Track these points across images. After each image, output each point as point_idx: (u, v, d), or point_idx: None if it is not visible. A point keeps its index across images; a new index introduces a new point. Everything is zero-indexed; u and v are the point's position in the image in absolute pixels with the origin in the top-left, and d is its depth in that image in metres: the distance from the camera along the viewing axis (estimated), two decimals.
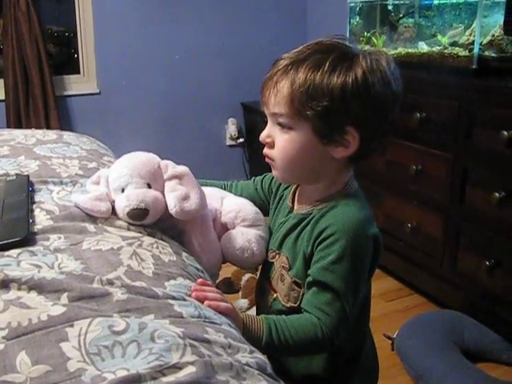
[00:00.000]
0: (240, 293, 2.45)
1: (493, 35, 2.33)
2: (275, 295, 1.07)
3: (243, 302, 2.35)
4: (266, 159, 1.03)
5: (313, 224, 0.99)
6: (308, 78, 0.91)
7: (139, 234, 1.11)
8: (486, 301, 2.14)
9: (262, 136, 1.01)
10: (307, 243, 0.98)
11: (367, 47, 2.87)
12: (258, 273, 2.57)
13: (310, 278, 0.97)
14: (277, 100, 0.95)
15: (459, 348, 2.01)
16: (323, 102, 0.90)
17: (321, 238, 0.96)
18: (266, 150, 1.02)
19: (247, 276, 2.49)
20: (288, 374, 1.11)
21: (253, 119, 3.86)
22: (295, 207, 1.08)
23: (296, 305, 1.02)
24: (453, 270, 2.27)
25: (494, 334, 2.07)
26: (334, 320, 0.94)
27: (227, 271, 2.62)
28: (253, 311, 2.29)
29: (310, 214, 1.01)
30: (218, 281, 2.52)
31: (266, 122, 1.02)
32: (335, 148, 0.95)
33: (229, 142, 4.00)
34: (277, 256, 1.08)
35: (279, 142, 0.97)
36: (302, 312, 0.99)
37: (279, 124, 0.97)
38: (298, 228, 1.03)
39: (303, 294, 1.00)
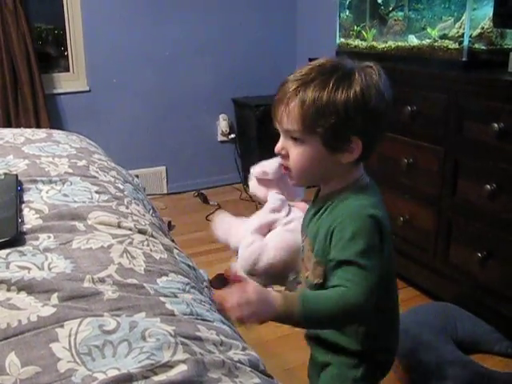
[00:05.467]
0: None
1: (482, 28, 2.32)
2: (307, 273, 1.20)
3: None
4: (283, 170, 1.16)
5: (328, 212, 1.13)
6: (316, 98, 1.03)
7: (130, 232, 1.10)
8: (479, 292, 2.15)
9: (277, 148, 1.13)
10: (326, 231, 1.10)
11: (357, 41, 2.87)
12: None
13: (332, 263, 1.07)
14: (289, 119, 1.07)
15: (452, 340, 2.01)
16: (330, 119, 1.03)
17: (334, 227, 1.08)
18: (281, 161, 1.14)
19: None
20: (318, 339, 1.25)
21: (244, 115, 3.85)
22: (319, 198, 1.22)
23: (322, 281, 1.14)
24: (445, 262, 2.28)
25: (486, 325, 2.07)
26: (361, 286, 1.03)
27: (220, 268, 2.61)
28: None
29: (327, 203, 1.14)
30: (211, 277, 2.53)
31: (279, 134, 1.13)
32: (342, 155, 1.08)
33: (220, 138, 3.99)
34: (305, 239, 1.21)
35: (293, 154, 1.10)
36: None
37: (292, 138, 1.09)
38: (318, 214, 1.16)
39: (324, 271, 1.12)
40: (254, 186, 1.74)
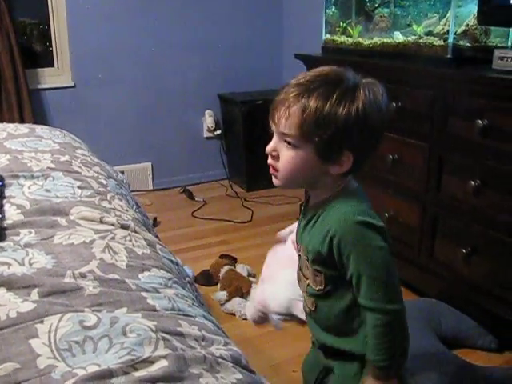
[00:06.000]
0: (219, 285, 2.43)
1: (467, 25, 2.33)
2: (307, 281, 1.20)
3: (222, 295, 2.34)
4: (271, 170, 1.14)
5: (321, 221, 1.13)
6: (318, 108, 1.03)
7: (112, 227, 1.09)
8: (463, 288, 2.16)
9: (269, 149, 1.12)
10: (320, 241, 1.10)
11: (343, 38, 2.87)
12: (237, 265, 2.57)
13: (349, 277, 1.09)
14: (287, 123, 1.06)
15: (437, 335, 2.02)
16: (329, 131, 1.03)
17: (331, 243, 1.08)
18: (270, 161, 1.13)
19: (226, 268, 2.47)
20: (325, 346, 1.24)
21: (230, 111, 3.84)
22: (309, 207, 1.22)
23: (323, 287, 1.15)
24: (430, 258, 2.28)
25: (470, 320, 2.08)
26: (382, 298, 1.06)
27: (206, 264, 2.61)
28: (232, 303, 2.30)
29: (318, 211, 1.14)
30: (196, 274, 2.53)
31: (270, 133, 1.13)
32: (332, 166, 1.09)
33: (206, 134, 3.97)
34: (300, 248, 1.21)
35: (284, 156, 1.10)
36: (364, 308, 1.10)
37: (286, 141, 1.08)
38: (310, 223, 1.16)
39: (325, 278, 1.13)
40: None
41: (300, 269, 1.24)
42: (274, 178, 1.16)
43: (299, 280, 1.26)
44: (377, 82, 1.11)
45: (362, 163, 1.13)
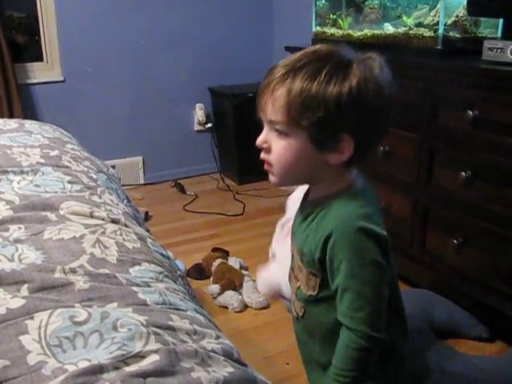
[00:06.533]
0: (211, 278, 2.43)
1: (457, 16, 2.33)
2: (298, 284, 1.11)
3: (214, 288, 2.33)
4: (265, 166, 1.04)
5: (318, 221, 1.03)
6: (304, 89, 0.92)
7: (102, 222, 1.09)
8: (454, 279, 2.17)
9: (259, 141, 1.02)
10: (315, 244, 1.01)
11: (333, 29, 2.86)
12: (229, 258, 2.57)
13: (334, 288, 1.01)
14: (274, 108, 0.96)
15: (429, 326, 2.03)
16: (318, 113, 0.92)
17: (326, 245, 0.99)
18: (263, 155, 1.03)
19: (218, 261, 2.47)
20: (316, 360, 1.16)
21: (220, 104, 3.83)
22: (307, 202, 1.12)
23: (314, 293, 1.06)
24: (422, 249, 2.29)
25: (462, 310, 2.09)
26: (363, 319, 0.97)
27: (198, 257, 2.61)
28: (224, 296, 2.30)
29: (316, 209, 1.04)
30: (188, 267, 2.53)
31: (262, 126, 1.03)
32: (330, 154, 0.97)
33: (197, 128, 3.95)
34: (294, 248, 1.12)
35: (276, 147, 0.99)
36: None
37: (276, 130, 0.98)
38: (306, 222, 1.06)
39: (319, 283, 1.04)
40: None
41: (292, 269, 1.15)
42: (270, 176, 1.05)
43: (290, 280, 1.17)
44: (376, 55, 1.00)
45: (366, 150, 1.01)
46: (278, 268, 1.42)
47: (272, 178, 1.05)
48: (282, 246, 1.53)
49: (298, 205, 1.19)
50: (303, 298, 1.09)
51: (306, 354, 1.21)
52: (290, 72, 0.95)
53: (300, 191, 1.24)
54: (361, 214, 0.98)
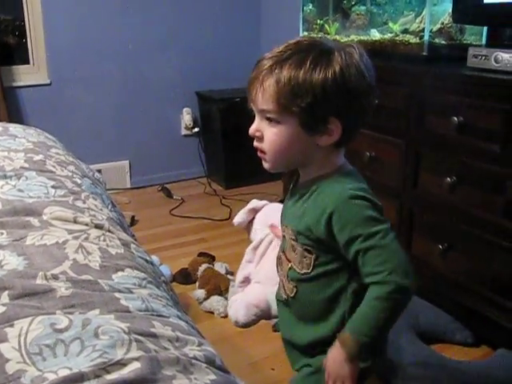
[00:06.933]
0: (197, 283, 2.42)
1: (442, 23, 2.35)
2: (289, 264, 1.15)
3: (200, 293, 2.32)
4: (258, 153, 1.10)
5: (315, 197, 1.08)
6: (292, 77, 0.99)
7: (86, 227, 1.08)
8: (440, 283, 2.18)
9: (252, 130, 1.09)
10: (316, 219, 1.05)
11: (321, 34, 2.87)
12: (215, 263, 2.56)
13: (352, 257, 1.03)
14: (264, 98, 1.03)
15: (414, 330, 2.04)
16: (307, 99, 0.99)
17: (330, 223, 1.03)
18: (256, 144, 1.10)
19: (204, 266, 2.46)
20: (291, 343, 1.22)
21: (208, 108, 3.82)
22: (298, 185, 1.18)
23: (309, 270, 1.11)
24: (407, 254, 2.30)
25: (447, 315, 2.10)
26: (393, 268, 1.00)
27: (184, 262, 2.60)
28: (210, 301, 2.29)
29: (311, 187, 1.10)
30: (174, 272, 2.52)
31: (254, 116, 1.09)
32: (320, 137, 1.05)
33: (184, 132, 3.95)
34: (286, 229, 1.17)
35: (268, 135, 1.06)
36: (368, 285, 1.04)
37: (267, 119, 1.05)
38: (301, 200, 1.12)
39: (314, 260, 1.09)
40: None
41: (283, 251, 1.19)
42: (263, 162, 1.11)
43: (280, 264, 1.21)
44: (354, 44, 1.07)
45: (352, 132, 1.08)
46: (261, 287, 1.42)
47: (266, 165, 1.11)
48: (259, 268, 1.52)
49: (266, 221, 1.27)
50: (296, 278, 1.14)
51: (288, 337, 1.25)
52: (277, 63, 1.01)
53: (264, 212, 1.30)
54: (356, 187, 1.06)
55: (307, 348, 1.19)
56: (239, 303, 1.53)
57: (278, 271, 1.24)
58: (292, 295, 1.16)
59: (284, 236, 1.19)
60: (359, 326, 1.04)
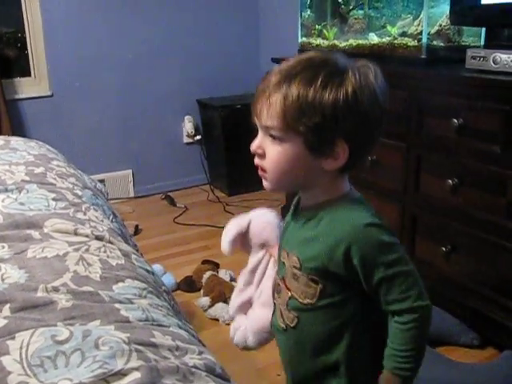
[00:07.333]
0: (201, 291, 2.43)
1: (440, 25, 2.36)
2: (290, 293, 1.08)
3: (205, 300, 2.33)
4: (259, 171, 1.04)
5: (325, 225, 1.01)
6: (301, 95, 0.93)
7: (86, 239, 1.09)
8: (444, 286, 2.17)
9: (253, 146, 1.02)
10: (329, 250, 1.00)
11: (319, 40, 2.88)
12: (219, 270, 2.56)
13: (375, 285, 1.00)
14: (269, 114, 0.97)
15: None
16: (315, 119, 0.93)
17: (348, 257, 0.98)
18: (257, 161, 1.03)
19: (208, 274, 2.47)
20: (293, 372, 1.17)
21: (209, 116, 3.84)
22: (301, 208, 1.11)
23: (313, 301, 1.04)
24: (411, 257, 2.27)
25: (452, 317, 2.10)
26: (417, 294, 0.99)
27: (188, 270, 2.60)
28: (215, 309, 2.30)
29: (318, 213, 1.03)
30: (179, 280, 2.52)
31: (257, 131, 1.03)
32: (325, 160, 0.98)
33: (186, 140, 3.96)
34: (287, 255, 1.10)
35: (270, 153, 1.00)
36: (389, 316, 1.02)
37: (271, 136, 0.99)
38: (306, 227, 1.05)
39: (321, 291, 1.03)
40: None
41: (282, 278, 1.11)
42: (263, 181, 1.05)
43: (277, 292, 1.15)
44: (370, 63, 1.01)
45: (359, 157, 1.02)
46: (266, 311, 1.37)
47: (266, 184, 1.05)
48: (260, 289, 1.47)
49: (260, 238, 1.22)
50: (297, 308, 1.07)
51: (289, 367, 1.20)
52: (286, 78, 0.95)
53: (254, 229, 1.26)
54: (370, 215, 1.00)
55: (309, 379, 1.15)
56: (246, 331, 1.47)
57: (274, 298, 1.19)
58: (292, 325, 1.09)
59: (283, 263, 1.11)
60: (400, 365, 1.00)
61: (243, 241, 1.37)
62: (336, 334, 1.05)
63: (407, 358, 0.99)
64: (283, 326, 1.11)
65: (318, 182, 1.02)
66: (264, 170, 1.02)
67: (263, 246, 1.34)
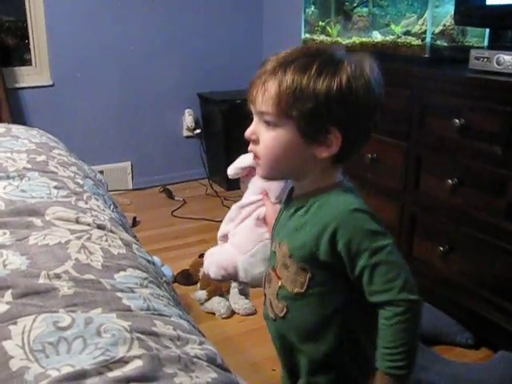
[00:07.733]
0: (198, 284, 2.43)
1: (444, 25, 2.36)
2: (280, 283, 1.09)
3: (201, 294, 2.33)
4: (253, 158, 1.05)
5: (313, 213, 1.03)
6: (295, 81, 0.95)
7: (88, 227, 1.09)
8: (441, 285, 2.18)
9: (248, 133, 1.03)
10: (316, 236, 1.00)
11: (322, 37, 2.88)
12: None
13: (358, 273, 0.99)
14: (264, 99, 0.98)
15: None
16: (308, 105, 0.95)
17: (333, 241, 0.99)
18: (251, 147, 1.04)
19: None
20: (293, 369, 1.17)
21: (209, 110, 3.83)
22: (293, 198, 1.12)
23: (303, 290, 1.05)
24: (409, 256, 2.30)
25: (447, 317, 2.10)
26: (402, 286, 0.97)
27: (185, 263, 2.61)
28: (211, 302, 2.30)
29: (309, 200, 1.04)
30: (176, 273, 2.52)
31: (252, 119, 1.04)
32: (318, 147, 0.99)
33: (186, 133, 3.95)
34: (278, 245, 1.11)
35: (264, 138, 1.01)
36: (376, 306, 1.00)
37: (265, 122, 1.00)
38: (296, 216, 1.06)
39: (309, 279, 1.03)
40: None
41: (273, 268, 1.12)
42: (257, 168, 1.07)
43: (268, 281, 1.15)
44: (367, 56, 1.02)
45: (352, 147, 1.02)
46: (233, 251, 1.40)
47: (259, 171, 1.06)
48: (237, 230, 1.49)
49: (262, 186, 1.22)
50: (287, 297, 1.08)
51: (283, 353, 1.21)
52: (282, 65, 0.97)
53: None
54: (358, 202, 1.01)
55: (300, 370, 1.15)
56: (213, 259, 1.51)
57: (264, 288, 1.18)
58: (281, 315, 1.09)
59: (274, 252, 1.12)
60: (391, 363, 0.99)
61: (249, 175, 1.41)
62: (324, 324, 1.05)
63: (397, 355, 0.97)
64: (272, 316, 1.12)
65: (310, 171, 1.03)
66: (257, 157, 1.03)
67: (263, 192, 1.36)
